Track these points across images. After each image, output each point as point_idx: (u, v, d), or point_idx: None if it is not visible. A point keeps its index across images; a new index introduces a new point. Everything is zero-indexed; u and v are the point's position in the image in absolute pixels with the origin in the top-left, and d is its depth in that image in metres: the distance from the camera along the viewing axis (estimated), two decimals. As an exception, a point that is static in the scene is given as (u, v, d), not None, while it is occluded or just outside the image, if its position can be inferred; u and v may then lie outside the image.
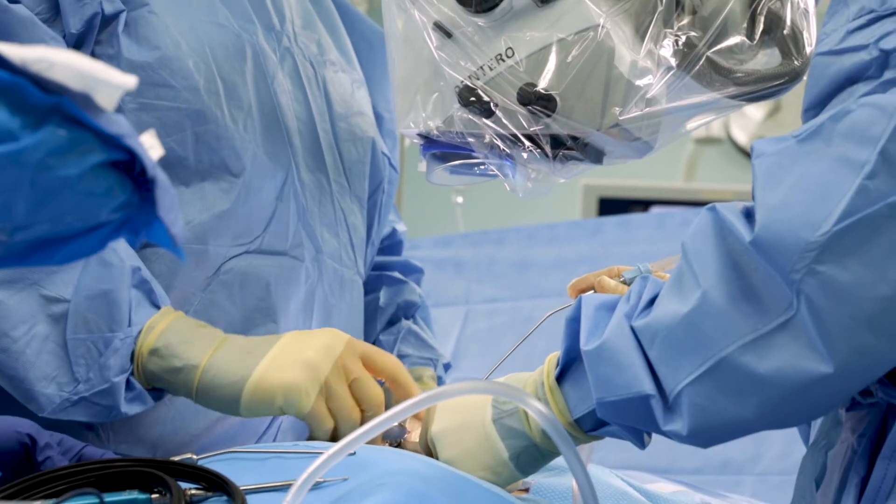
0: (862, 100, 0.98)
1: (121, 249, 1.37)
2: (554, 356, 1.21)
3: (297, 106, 1.56)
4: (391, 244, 1.82)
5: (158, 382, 1.37)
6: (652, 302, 1.11)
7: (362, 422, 1.34)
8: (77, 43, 1.40)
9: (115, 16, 1.42)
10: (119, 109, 1.40)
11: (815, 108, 1.05)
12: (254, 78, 1.51)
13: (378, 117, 1.73)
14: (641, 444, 1.17)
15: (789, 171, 1.01)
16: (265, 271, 1.50)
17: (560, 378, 1.20)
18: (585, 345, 1.14)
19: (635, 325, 1.10)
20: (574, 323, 1.18)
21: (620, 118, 1.28)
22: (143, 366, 1.36)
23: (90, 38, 1.41)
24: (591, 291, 1.40)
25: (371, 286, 1.74)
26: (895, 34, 0.98)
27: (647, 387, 1.08)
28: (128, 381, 1.36)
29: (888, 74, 0.98)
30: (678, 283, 1.08)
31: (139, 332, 1.36)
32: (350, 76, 1.67)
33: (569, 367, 1.19)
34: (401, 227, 1.85)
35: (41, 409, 1.33)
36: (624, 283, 1.40)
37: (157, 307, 1.38)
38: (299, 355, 1.33)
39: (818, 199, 0.98)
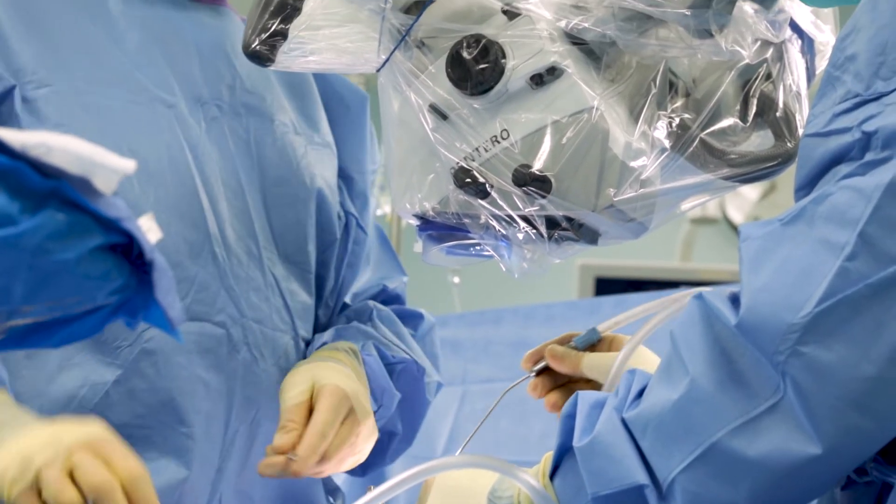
0: (841, 182, 0.99)
1: None
2: (550, 456, 1.20)
3: (225, 174, 1.56)
4: (385, 300, 1.79)
5: None
6: (641, 393, 1.11)
7: None
8: None
9: (7, 94, 1.44)
10: None
11: (804, 188, 1.06)
12: (168, 148, 1.52)
13: (348, 179, 1.73)
14: None
15: (774, 254, 1.01)
16: (188, 338, 1.50)
17: (553, 475, 1.19)
18: (578, 441, 1.14)
19: (626, 416, 1.10)
20: (569, 419, 1.17)
21: (615, 199, 1.28)
22: None
23: None
24: (543, 362, 1.42)
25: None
26: (878, 117, 0.99)
27: (641, 477, 1.08)
28: None
29: (869, 156, 0.99)
30: (667, 372, 1.08)
31: None
32: (306, 138, 1.67)
33: (561, 463, 1.19)
34: (392, 285, 1.81)
35: None
36: (574, 348, 1.41)
37: None
38: (19, 446, 1.23)
39: (800, 281, 0.98)
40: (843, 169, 1.01)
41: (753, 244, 1.04)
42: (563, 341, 1.44)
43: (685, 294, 1.32)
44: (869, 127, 0.99)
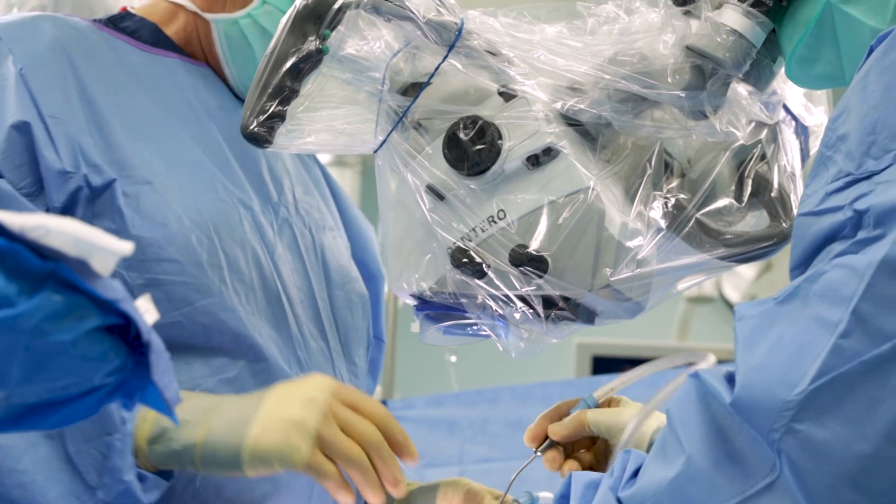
0: (835, 261, 1.00)
1: None
2: None
3: (298, 277, 1.61)
4: None
5: (165, 465, 1.39)
6: (636, 472, 1.11)
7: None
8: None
9: (107, 186, 1.45)
10: (128, 288, 1.42)
11: (799, 267, 1.06)
12: (253, 251, 1.55)
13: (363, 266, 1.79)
14: None
15: (768, 332, 1.01)
16: None
17: None
18: None
19: (622, 495, 1.10)
20: (563, 500, 1.17)
21: (611, 279, 1.28)
22: (146, 456, 1.37)
23: (75, 211, 1.44)
24: (547, 439, 1.42)
25: None
26: (869, 196, 1.00)
27: None
28: (139, 474, 1.37)
29: (861, 234, 0.99)
30: (662, 451, 1.08)
31: (134, 428, 1.37)
32: (345, 241, 1.71)
33: None
34: None
35: None
36: None
37: None
38: (286, 415, 1.34)
39: (795, 358, 0.98)
40: (837, 247, 1.01)
41: (748, 323, 1.04)
42: (559, 413, 1.44)
43: (685, 356, 1.34)
44: (861, 205, 1.00)
